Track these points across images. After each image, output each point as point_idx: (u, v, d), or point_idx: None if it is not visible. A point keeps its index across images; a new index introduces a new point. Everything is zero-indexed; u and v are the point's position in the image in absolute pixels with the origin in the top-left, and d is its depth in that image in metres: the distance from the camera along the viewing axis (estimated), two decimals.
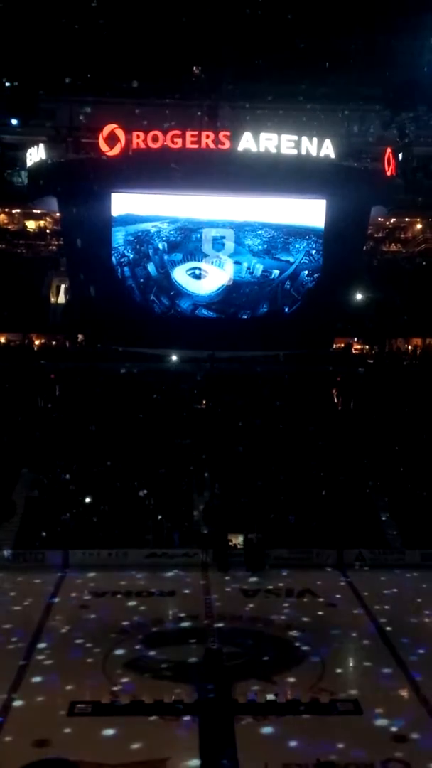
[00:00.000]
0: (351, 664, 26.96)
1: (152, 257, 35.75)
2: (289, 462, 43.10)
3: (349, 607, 31.97)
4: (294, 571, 35.92)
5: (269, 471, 42.40)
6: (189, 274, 35.98)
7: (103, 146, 34.19)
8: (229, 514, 39.24)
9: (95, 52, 38.20)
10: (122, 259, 35.92)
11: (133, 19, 36.08)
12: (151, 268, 35.89)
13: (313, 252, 36.28)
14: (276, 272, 36.20)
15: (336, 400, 49.27)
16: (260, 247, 35.89)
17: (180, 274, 35.96)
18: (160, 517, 38.94)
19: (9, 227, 52.30)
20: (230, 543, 37.41)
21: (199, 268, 36.18)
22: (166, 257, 35.74)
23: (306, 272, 36.42)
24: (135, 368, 46.53)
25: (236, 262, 36.18)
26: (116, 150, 34.17)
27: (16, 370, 46.71)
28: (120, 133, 34.06)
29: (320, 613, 31.26)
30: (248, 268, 36.09)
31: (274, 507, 39.84)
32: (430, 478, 41.79)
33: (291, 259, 36.15)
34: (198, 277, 36.22)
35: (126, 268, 36.09)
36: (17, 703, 23.01)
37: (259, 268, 36.07)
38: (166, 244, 35.66)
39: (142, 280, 36.09)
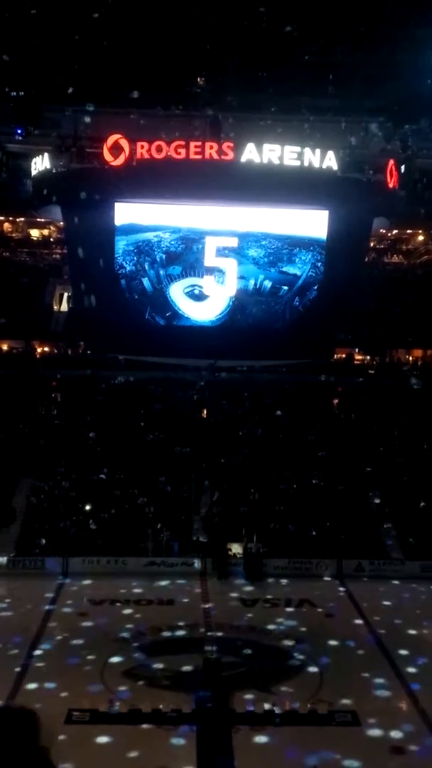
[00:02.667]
0: (349, 675, 26.75)
1: (148, 271, 35.42)
2: (289, 471, 43.09)
3: (348, 618, 31.86)
4: (293, 581, 35.84)
5: (269, 480, 42.39)
6: (187, 294, 35.51)
7: (108, 156, 34.34)
8: (229, 523, 39.23)
9: (100, 63, 38.31)
10: (120, 271, 35.79)
11: (138, 29, 36.19)
12: (146, 283, 35.59)
13: (319, 264, 36.14)
14: (285, 288, 35.95)
15: (336, 410, 49.29)
16: (265, 259, 35.67)
17: (177, 292, 35.56)
18: (159, 525, 38.93)
19: (13, 235, 52.53)
20: (229, 552, 37.42)
21: (200, 287, 35.70)
22: (162, 271, 35.39)
23: (315, 287, 36.17)
24: (136, 377, 46.60)
25: (241, 277, 35.82)
26: (120, 160, 34.31)
27: (17, 377, 46.75)
28: (124, 143, 34.20)
29: (319, 623, 31.14)
30: (255, 284, 35.70)
31: (273, 516, 39.81)
32: (431, 489, 41.76)
33: (298, 272, 35.97)
34: (197, 297, 35.77)
35: (123, 281, 35.97)
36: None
37: (267, 285, 35.74)
38: (164, 256, 35.33)
39: (137, 296, 35.87)
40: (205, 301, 36.04)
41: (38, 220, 49.40)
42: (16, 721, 6.16)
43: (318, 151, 34.22)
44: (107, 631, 29.61)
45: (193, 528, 39.63)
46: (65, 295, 49.68)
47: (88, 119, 41.46)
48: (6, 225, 52.65)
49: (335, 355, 47.13)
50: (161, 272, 35.52)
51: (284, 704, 23.63)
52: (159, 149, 33.89)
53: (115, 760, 20.06)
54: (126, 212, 35.74)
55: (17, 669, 25.73)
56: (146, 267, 35.53)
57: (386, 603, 33.91)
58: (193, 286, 35.72)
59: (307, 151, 34.29)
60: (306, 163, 34.36)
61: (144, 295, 35.87)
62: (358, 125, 45.06)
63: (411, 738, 21.60)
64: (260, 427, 46.26)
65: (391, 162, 36.60)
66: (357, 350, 50.91)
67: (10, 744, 5.90)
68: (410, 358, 52.37)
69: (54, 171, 36.88)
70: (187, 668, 26.06)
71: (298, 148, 33.91)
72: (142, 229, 35.67)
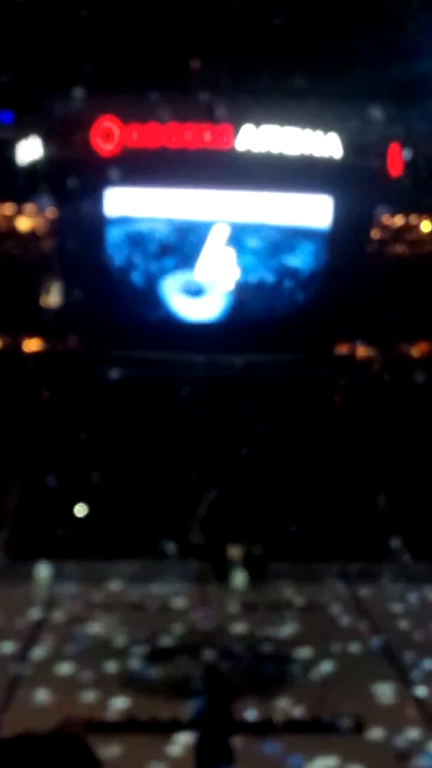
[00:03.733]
0: (353, 681, 25.73)
1: (139, 264, 34.75)
2: (290, 470, 42.32)
3: (353, 621, 31.18)
4: (295, 583, 34.98)
5: (270, 479, 41.57)
6: (182, 290, 34.91)
7: (98, 142, 33.67)
8: (228, 524, 38.46)
9: (91, 46, 37.64)
10: (111, 263, 35.16)
11: (131, 10, 35.59)
12: (137, 276, 34.91)
13: (321, 255, 35.62)
14: (287, 280, 35.35)
15: (339, 407, 48.70)
16: (266, 251, 35.06)
17: (170, 289, 34.88)
18: (156, 526, 38.14)
19: None
20: (228, 554, 36.60)
21: (195, 282, 35.10)
22: (155, 265, 34.65)
23: (317, 279, 35.57)
24: (131, 373, 45.90)
25: (240, 270, 35.23)
26: (111, 146, 33.71)
27: (6, 374, 46.03)
28: (115, 129, 33.61)
29: (322, 627, 30.41)
30: (256, 277, 35.12)
31: (275, 517, 39.01)
32: None
33: (299, 264, 35.42)
34: (193, 293, 35.16)
35: (114, 274, 35.35)
36: (7, 719, 21.97)
37: (268, 278, 35.13)
38: (157, 247, 34.70)
39: (129, 291, 35.26)
40: (201, 297, 35.41)
41: (26, 210, 48.60)
42: (75, 752, 4.88)
43: (319, 135, 33.55)
44: (102, 637, 28.76)
45: (191, 529, 38.97)
46: (55, 288, 48.99)
47: (77, 104, 40.64)
48: None
49: (338, 350, 46.56)
50: (154, 265, 34.82)
51: (286, 711, 22.94)
52: (152, 134, 33.20)
53: None
54: (117, 201, 35.11)
55: (8, 677, 24.77)
56: (138, 259, 34.87)
57: (392, 605, 33.03)
58: (188, 281, 35.07)
59: (308, 135, 33.63)
60: (306, 148, 33.73)
61: (136, 290, 35.22)
62: (360, 109, 44.32)
63: (416, 744, 20.91)
64: (260, 424, 45.61)
65: (395, 148, 35.96)
66: (360, 344, 50.38)
67: None
68: (416, 352, 51.82)
69: (42, 158, 36.27)
70: (185, 675, 25.05)
71: (298, 132, 33.24)
72: (135, 219, 35.02)
